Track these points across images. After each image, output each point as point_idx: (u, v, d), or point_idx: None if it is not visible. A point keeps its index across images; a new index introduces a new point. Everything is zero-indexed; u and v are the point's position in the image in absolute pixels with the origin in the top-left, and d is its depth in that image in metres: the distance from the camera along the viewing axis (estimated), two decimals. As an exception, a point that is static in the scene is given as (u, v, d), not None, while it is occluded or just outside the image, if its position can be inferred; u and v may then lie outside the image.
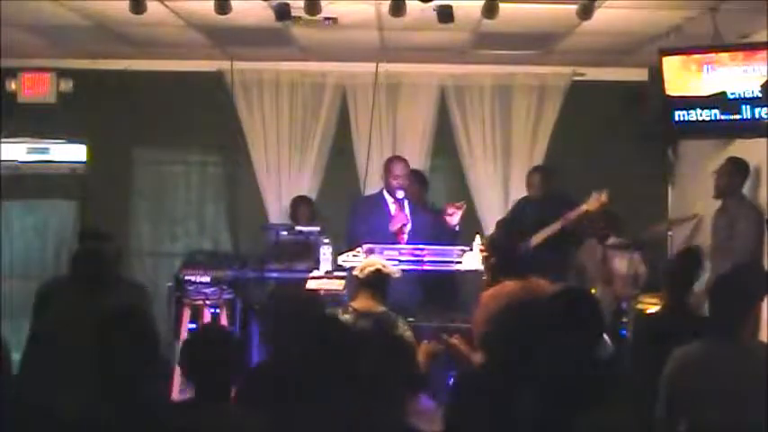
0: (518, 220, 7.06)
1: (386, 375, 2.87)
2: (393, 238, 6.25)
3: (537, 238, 6.72)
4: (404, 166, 6.45)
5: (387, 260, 6.15)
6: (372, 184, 7.48)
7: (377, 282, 4.59)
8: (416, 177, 7.23)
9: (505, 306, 3.62)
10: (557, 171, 7.45)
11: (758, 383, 3.38)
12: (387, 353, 2.94)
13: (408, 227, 6.33)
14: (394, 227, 6.26)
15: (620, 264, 6.82)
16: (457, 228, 6.34)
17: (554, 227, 6.74)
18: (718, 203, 6.19)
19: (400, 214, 6.33)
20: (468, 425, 3.20)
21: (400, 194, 6.32)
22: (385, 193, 6.44)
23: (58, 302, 4.19)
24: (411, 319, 6.48)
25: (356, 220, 6.47)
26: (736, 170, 6.03)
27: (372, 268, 4.59)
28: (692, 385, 3.39)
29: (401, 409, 2.89)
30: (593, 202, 6.58)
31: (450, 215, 6.29)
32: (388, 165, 6.52)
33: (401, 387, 2.92)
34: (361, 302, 4.54)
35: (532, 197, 7.28)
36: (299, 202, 7.60)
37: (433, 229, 6.33)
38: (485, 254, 5.29)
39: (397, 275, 4.80)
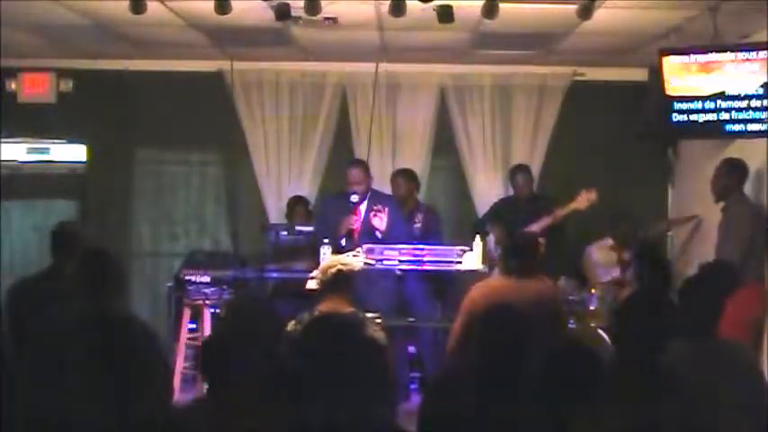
0: (504, 218, 7.07)
1: (353, 377, 2.85)
2: (348, 238, 6.45)
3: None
4: (357, 172, 6.62)
5: (385, 259, 6.20)
6: (372, 184, 7.47)
7: (340, 283, 4.52)
8: (406, 176, 7.28)
9: (491, 306, 3.59)
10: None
11: (736, 383, 3.38)
12: (353, 354, 2.92)
13: (359, 228, 6.54)
14: (342, 229, 6.47)
15: (625, 264, 6.82)
16: (379, 231, 6.49)
17: (543, 222, 6.76)
18: (720, 203, 6.18)
19: (349, 217, 6.51)
20: (441, 426, 3.19)
21: (354, 198, 6.52)
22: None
23: (59, 304, 4.13)
24: (411, 320, 6.57)
25: (319, 220, 6.93)
26: (732, 171, 6.03)
27: (333, 270, 4.52)
28: (670, 385, 3.38)
29: (372, 411, 2.87)
30: (582, 200, 6.65)
31: (371, 218, 6.44)
32: (347, 169, 6.74)
33: (369, 389, 2.90)
34: (327, 305, 4.48)
35: (519, 196, 7.27)
36: (296, 203, 7.60)
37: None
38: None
39: (358, 269, 4.76)
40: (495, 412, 3.10)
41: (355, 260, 4.68)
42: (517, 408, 3.08)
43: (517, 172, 7.33)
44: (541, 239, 5.89)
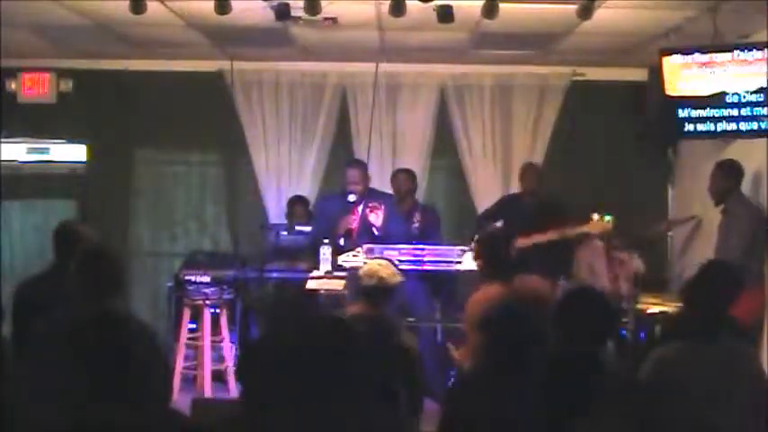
0: (507, 217, 7.05)
1: (383, 379, 2.84)
2: (346, 238, 6.46)
3: (524, 242, 6.63)
4: (355, 173, 6.64)
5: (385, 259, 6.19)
6: (372, 184, 7.48)
7: (379, 293, 4.47)
8: (407, 174, 7.33)
9: (497, 308, 3.59)
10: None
11: (736, 384, 3.37)
12: (383, 357, 2.90)
13: (357, 228, 6.55)
14: (339, 230, 6.49)
15: (623, 263, 6.82)
16: (376, 228, 6.49)
17: (547, 236, 6.67)
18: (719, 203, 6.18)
19: (347, 218, 6.52)
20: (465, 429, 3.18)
21: (351, 198, 6.53)
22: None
23: (57, 306, 4.12)
24: (411, 320, 6.56)
25: (317, 219, 6.93)
26: (727, 173, 6.04)
27: (372, 282, 4.45)
28: (669, 386, 3.38)
29: (400, 413, 2.86)
30: (597, 226, 6.51)
31: (368, 214, 6.44)
32: (345, 169, 6.76)
33: (400, 390, 2.89)
34: (360, 307, 4.45)
35: (526, 197, 7.24)
36: (295, 202, 7.60)
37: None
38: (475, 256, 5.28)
39: (402, 280, 4.68)
40: (518, 414, 3.10)
41: (397, 272, 4.58)
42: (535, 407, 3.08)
43: (527, 169, 7.30)
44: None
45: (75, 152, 8.07)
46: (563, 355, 3.31)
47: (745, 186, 6.07)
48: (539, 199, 7.22)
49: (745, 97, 5.87)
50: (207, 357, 6.70)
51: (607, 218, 6.49)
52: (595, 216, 6.51)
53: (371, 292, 4.41)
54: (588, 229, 6.54)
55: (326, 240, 6.33)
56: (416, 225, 7.03)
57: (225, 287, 6.83)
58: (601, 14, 5.73)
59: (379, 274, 4.42)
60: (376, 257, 6.03)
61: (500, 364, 3.25)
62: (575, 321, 3.35)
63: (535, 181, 7.24)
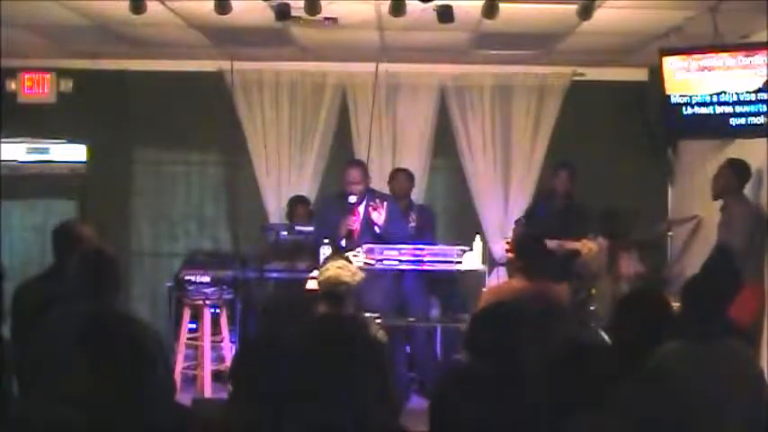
0: (536, 220, 7.06)
1: (356, 376, 2.83)
2: (347, 239, 6.45)
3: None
4: (356, 173, 6.62)
5: (385, 259, 6.18)
6: (372, 184, 7.48)
7: (338, 293, 4.45)
8: (406, 174, 7.34)
9: (497, 303, 3.59)
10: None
11: (735, 383, 3.37)
12: (357, 355, 2.89)
13: (358, 228, 6.54)
14: (341, 231, 6.47)
15: (623, 263, 6.83)
16: (377, 226, 6.49)
17: (551, 244, 6.71)
18: (718, 203, 6.18)
19: (348, 218, 6.51)
20: (454, 425, 3.17)
21: (352, 199, 6.52)
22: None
23: (57, 306, 4.12)
24: (411, 319, 6.57)
25: (318, 221, 6.92)
26: (734, 172, 6.04)
27: (342, 288, 4.40)
28: (668, 386, 3.37)
29: (372, 411, 2.86)
30: (585, 247, 6.62)
31: (370, 212, 6.43)
32: (345, 169, 6.73)
33: (370, 389, 2.88)
34: (327, 308, 4.44)
35: (556, 202, 7.18)
36: (296, 203, 7.59)
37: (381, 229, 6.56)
38: (510, 255, 5.32)
39: (361, 279, 4.63)
40: (494, 414, 3.09)
41: (357, 270, 4.55)
42: (515, 410, 3.07)
43: (560, 170, 7.19)
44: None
45: (75, 152, 8.08)
46: (563, 354, 3.30)
47: (747, 186, 6.07)
48: (572, 205, 7.14)
49: (745, 97, 5.87)
50: (207, 357, 6.71)
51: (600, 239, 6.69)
52: (585, 241, 6.58)
53: (332, 293, 4.41)
54: (580, 248, 6.62)
55: (327, 240, 6.33)
56: (413, 224, 7.04)
57: (225, 287, 6.83)
58: (601, 14, 5.73)
59: (343, 279, 4.40)
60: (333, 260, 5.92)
61: (485, 361, 3.24)
62: (639, 324, 3.38)
63: (569, 183, 7.12)
